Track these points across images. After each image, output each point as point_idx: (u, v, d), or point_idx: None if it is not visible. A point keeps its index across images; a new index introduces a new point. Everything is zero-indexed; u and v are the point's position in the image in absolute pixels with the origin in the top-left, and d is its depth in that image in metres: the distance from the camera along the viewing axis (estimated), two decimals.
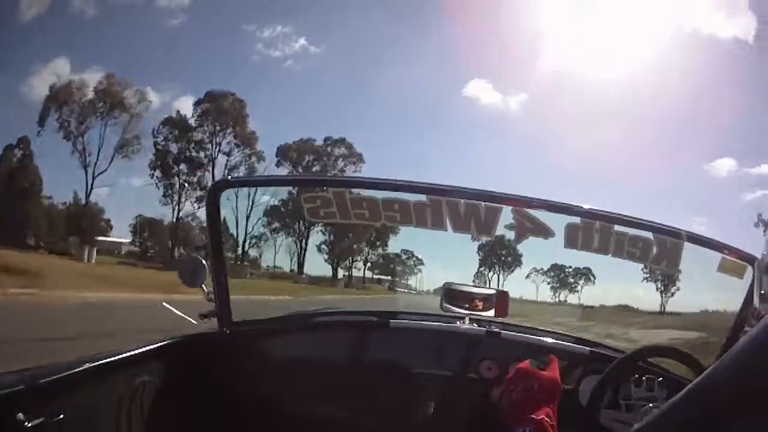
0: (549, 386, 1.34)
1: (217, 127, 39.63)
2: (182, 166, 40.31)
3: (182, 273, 1.92)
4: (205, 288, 1.91)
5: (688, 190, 49.71)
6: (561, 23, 49.57)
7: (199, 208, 39.77)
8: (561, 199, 1.87)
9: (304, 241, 46.21)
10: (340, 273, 50.25)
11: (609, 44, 49.47)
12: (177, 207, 41.38)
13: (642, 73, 44.19)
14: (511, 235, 1.89)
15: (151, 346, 1.60)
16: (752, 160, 46.84)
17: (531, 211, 1.84)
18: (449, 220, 1.85)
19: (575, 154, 50.35)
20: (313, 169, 41.83)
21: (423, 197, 1.86)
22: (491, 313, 2.12)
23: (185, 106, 41.78)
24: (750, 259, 1.84)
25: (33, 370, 1.23)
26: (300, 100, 49.81)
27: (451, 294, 2.16)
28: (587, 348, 2.07)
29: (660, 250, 1.85)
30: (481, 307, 2.12)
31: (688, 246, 1.87)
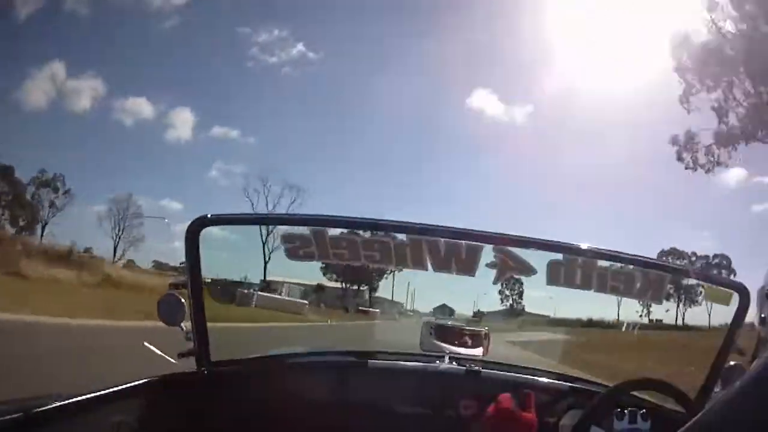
0: (530, 429, 1.32)
1: None
2: None
3: (161, 311, 1.90)
4: (183, 327, 1.89)
5: (695, 202, 48.71)
6: (568, 31, 47.81)
7: None
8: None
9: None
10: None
11: (618, 51, 46.81)
12: None
13: (651, 81, 43.38)
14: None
15: (129, 385, 1.59)
16: (763, 169, 46.25)
17: (512, 249, 1.83)
18: (430, 260, 1.84)
19: (582, 166, 49.22)
20: None
21: (403, 237, 1.85)
22: (479, 350, 2.12)
23: (181, 118, 40.88)
24: (735, 287, 1.84)
25: (9, 404, 1.23)
26: (297, 109, 48.68)
27: (438, 330, 2.17)
28: (568, 383, 2.07)
29: (644, 283, 1.85)
30: (470, 344, 2.13)
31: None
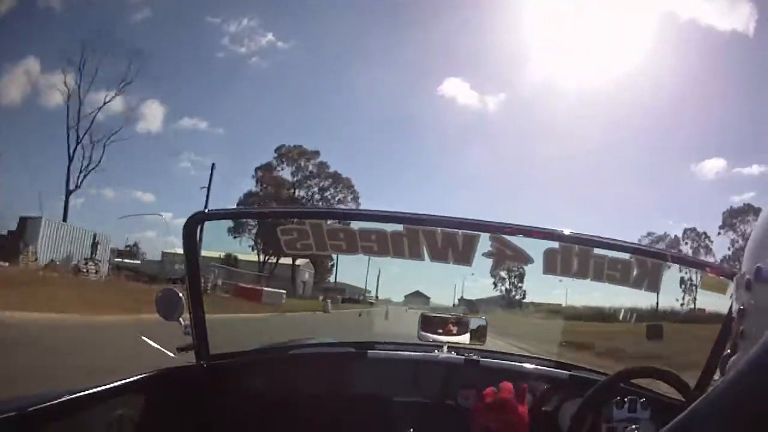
0: (525, 422, 1.33)
1: None
2: None
3: (159, 305, 1.91)
4: (182, 321, 1.89)
5: (674, 193, 48.12)
6: (542, 19, 47.09)
7: None
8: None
9: None
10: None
11: (595, 38, 46.51)
12: None
13: (629, 67, 42.18)
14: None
15: (128, 380, 1.60)
16: (743, 160, 45.18)
17: (509, 238, 1.83)
18: (427, 250, 1.84)
19: (556, 155, 48.47)
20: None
21: (400, 227, 1.85)
22: (466, 337, 2.14)
23: (150, 111, 37.04)
24: (732, 275, 1.85)
25: (8, 402, 1.23)
26: (266, 100, 47.63)
27: (425, 321, 2.21)
28: (567, 372, 2.08)
29: (640, 272, 1.85)
30: (455, 332, 2.15)
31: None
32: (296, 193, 40.79)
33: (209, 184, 29.78)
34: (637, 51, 41.83)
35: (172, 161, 51.04)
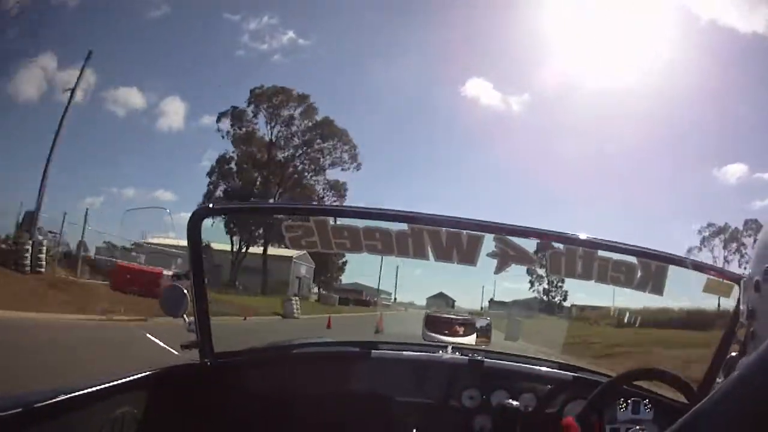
0: None
1: None
2: None
3: (163, 302, 1.91)
4: (186, 318, 1.89)
5: (695, 198, 47.40)
6: (566, 17, 46.85)
7: None
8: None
9: None
10: None
11: (617, 40, 46.97)
12: None
13: (651, 70, 42.23)
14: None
15: (134, 377, 1.60)
16: (764, 165, 44.94)
17: (513, 239, 1.83)
18: (431, 250, 1.84)
19: (578, 156, 48.64)
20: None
21: (404, 226, 1.85)
22: (472, 338, 2.13)
23: (172, 108, 36.74)
24: (736, 279, 1.85)
25: (12, 398, 1.23)
26: None
27: (430, 321, 2.20)
28: (572, 373, 2.07)
29: (644, 275, 1.85)
30: (461, 333, 2.14)
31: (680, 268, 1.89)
32: (278, 154, 33.49)
33: (74, 87, 21.61)
34: (659, 53, 41.68)
35: (192, 160, 51.32)
